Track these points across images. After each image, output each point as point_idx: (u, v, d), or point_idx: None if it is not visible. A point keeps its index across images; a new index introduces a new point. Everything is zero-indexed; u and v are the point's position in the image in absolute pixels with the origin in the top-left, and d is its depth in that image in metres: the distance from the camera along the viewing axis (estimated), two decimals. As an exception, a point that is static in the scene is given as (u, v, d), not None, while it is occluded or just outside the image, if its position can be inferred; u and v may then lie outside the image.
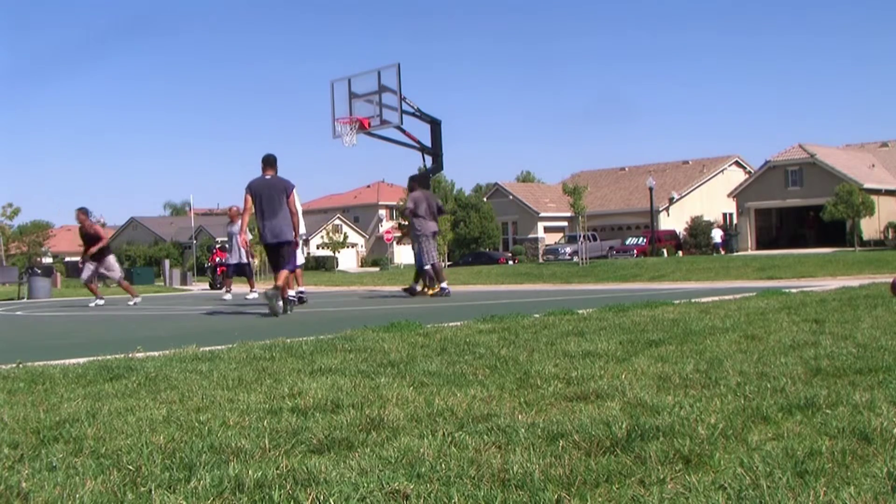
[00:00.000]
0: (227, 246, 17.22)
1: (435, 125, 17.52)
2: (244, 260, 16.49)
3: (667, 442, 2.51)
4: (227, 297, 15.95)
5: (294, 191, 10.40)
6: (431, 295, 13.95)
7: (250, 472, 2.31)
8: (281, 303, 10.09)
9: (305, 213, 13.33)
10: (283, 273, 10.31)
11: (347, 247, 61.09)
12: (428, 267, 13.97)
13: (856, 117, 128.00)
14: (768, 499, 2.00)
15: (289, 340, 5.68)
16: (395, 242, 60.77)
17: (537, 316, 7.29)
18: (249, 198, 10.35)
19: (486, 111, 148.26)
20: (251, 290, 15.78)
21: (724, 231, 49.48)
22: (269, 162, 10.42)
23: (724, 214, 54.70)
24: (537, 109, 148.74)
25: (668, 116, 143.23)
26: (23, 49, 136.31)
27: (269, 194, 10.21)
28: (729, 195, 52.01)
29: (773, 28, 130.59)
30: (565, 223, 56.33)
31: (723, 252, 44.67)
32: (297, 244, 10.66)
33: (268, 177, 10.37)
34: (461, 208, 56.13)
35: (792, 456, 2.33)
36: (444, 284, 14.13)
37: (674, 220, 53.96)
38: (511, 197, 60.07)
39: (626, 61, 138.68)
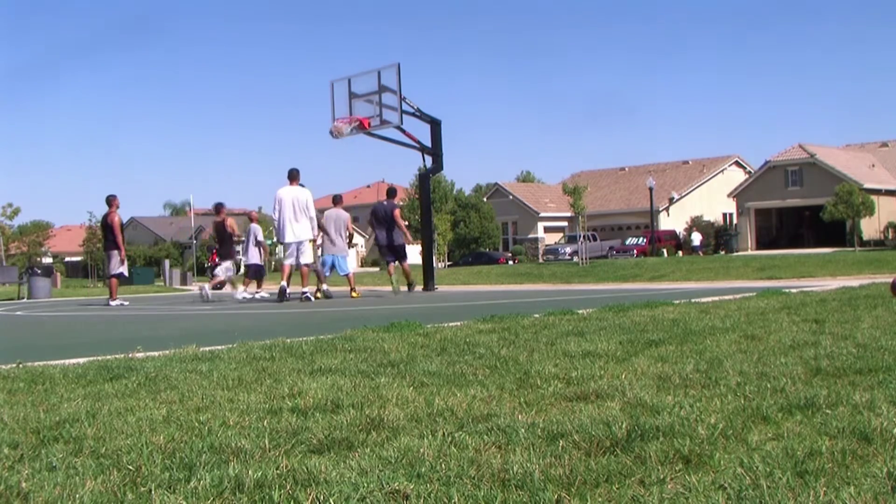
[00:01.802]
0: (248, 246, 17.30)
1: (435, 125, 17.52)
2: (260, 262, 16.77)
3: (667, 442, 2.51)
4: (259, 294, 16.26)
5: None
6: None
7: (250, 472, 2.31)
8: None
9: None
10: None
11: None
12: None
13: (856, 117, 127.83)
14: (768, 499, 2.00)
15: (289, 340, 5.68)
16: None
17: (537, 316, 7.29)
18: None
19: (486, 111, 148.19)
20: (245, 290, 16.11)
21: (702, 234, 49.62)
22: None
23: (724, 214, 54.72)
24: (537, 109, 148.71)
25: (668, 116, 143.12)
26: (23, 49, 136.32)
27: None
28: (729, 195, 52.02)
29: (772, 28, 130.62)
30: (565, 223, 56.33)
31: (701, 254, 44.82)
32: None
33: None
34: (461, 208, 56.09)
35: (792, 456, 2.33)
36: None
37: (674, 220, 53.95)
38: (511, 197, 60.07)
39: (625, 61, 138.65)
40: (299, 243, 13.65)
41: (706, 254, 45.20)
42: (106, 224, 15.48)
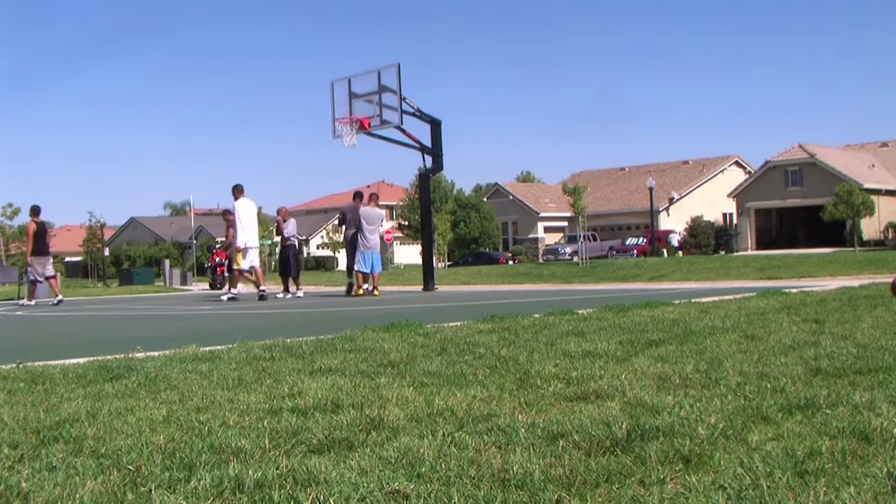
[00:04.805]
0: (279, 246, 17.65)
1: (435, 125, 17.51)
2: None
3: (667, 442, 2.51)
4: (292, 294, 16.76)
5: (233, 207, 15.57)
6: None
7: (250, 472, 2.31)
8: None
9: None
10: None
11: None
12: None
13: (856, 117, 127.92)
14: (768, 499, 2.00)
15: (289, 340, 5.68)
16: (395, 243, 60.81)
17: (537, 316, 7.29)
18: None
19: (486, 111, 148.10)
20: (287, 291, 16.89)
21: (680, 236, 50.02)
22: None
23: (724, 214, 54.71)
24: (537, 109, 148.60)
25: (668, 116, 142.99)
26: (23, 49, 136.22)
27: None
28: (729, 195, 52.00)
29: (773, 28, 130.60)
30: (565, 223, 56.30)
31: (681, 254, 45.29)
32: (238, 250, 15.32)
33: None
34: (461, 208, 56.06)
35: (792, 456, 2.33)
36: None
37: (674, 221, 53.94)
38: (511, 197, 60.04)
39: (626, 61, 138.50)
40: (257, 248, 15.91)
41: (705, 253, 45.23)
42: (46, 230, 16.59)
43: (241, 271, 15.56)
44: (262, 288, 15.38)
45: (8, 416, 3.26)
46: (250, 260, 15.56)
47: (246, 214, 15.45)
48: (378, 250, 15.76)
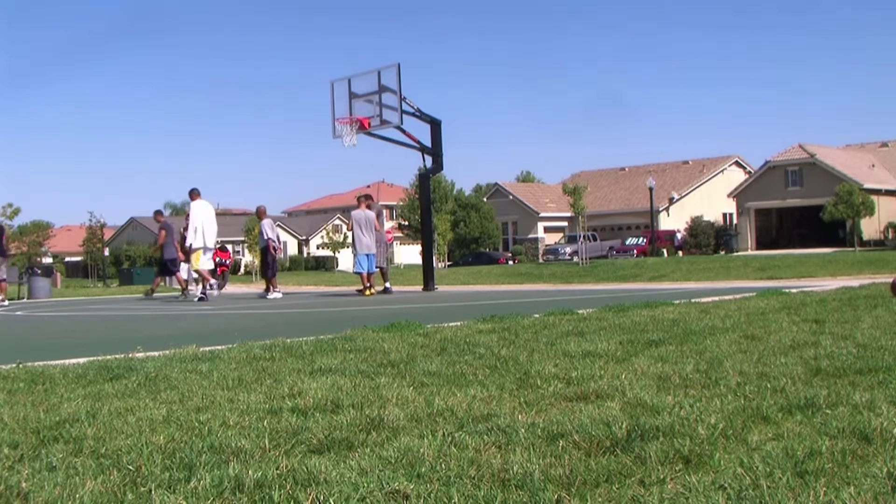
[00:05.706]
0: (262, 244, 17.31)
1: (435, 125, 17.51)
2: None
3: (667, 442, 2.51)
4: (273, 295, 16.56)
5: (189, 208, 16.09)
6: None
7: (250, 472, 2.31)
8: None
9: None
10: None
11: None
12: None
13: (856, 117, 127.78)
14: (768, 499, 2.00)
15: (289, 340, 5.68)
16: (395, 243, 60.83)
17: (537, 316, 7.29)
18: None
19: (486, 111, 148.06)
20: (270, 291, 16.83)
21: (681, 236, 50.21)
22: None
23: (724, 214, 54.72)
24: (537, 109, 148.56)
25: (668, 116, 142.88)
26: (23, 49, 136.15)
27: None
28: (729, 195, 52.00)
29: (773, 28, 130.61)
30: (565, 223, 56.31)
31: (681, 253, 45.47)
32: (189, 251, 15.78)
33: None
34: (461, 208, 56.08)
35: (792, 456, 2.33)
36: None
37: (674, 220, 53.95)
38: (511, 197, 60.05)
39: (626, 61, 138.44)
40: (212, 250, 16.28)
41: (705, 253, 45.27)
42: (4, 232, 16.98)
43: (195, 271, 16.17)
44: (198, 288, 15.97)
45: (8, 416, 3.26)
46: (207, 260, 15.98)
47: (204, 216, 15.82)
48: (372, 251, 15.68)
